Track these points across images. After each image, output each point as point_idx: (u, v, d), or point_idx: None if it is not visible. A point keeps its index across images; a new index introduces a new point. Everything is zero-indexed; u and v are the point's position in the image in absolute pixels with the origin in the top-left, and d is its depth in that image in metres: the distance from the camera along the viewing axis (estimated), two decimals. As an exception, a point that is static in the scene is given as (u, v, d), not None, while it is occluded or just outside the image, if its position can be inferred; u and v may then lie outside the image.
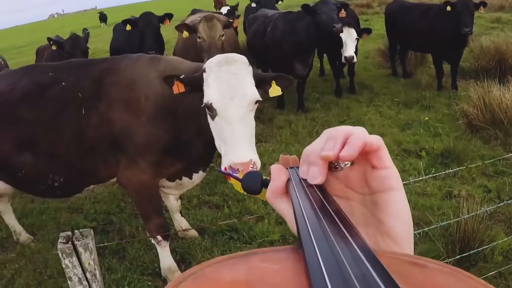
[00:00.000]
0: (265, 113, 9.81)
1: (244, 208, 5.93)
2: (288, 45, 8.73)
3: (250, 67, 3.49)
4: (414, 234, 4.68)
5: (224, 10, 12.02)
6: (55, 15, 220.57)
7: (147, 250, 5.43)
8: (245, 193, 0.99)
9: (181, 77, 3.59)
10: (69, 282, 2.96)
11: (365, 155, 0.71)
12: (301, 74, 9.01)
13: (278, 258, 0.59)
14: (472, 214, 4.60)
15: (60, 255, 2.82)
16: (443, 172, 5.49)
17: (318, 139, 0.75)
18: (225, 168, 1.25)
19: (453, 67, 9.87)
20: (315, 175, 0.72)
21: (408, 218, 0.73)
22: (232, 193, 6.23)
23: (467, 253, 4.39)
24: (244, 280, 0.54)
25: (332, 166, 0.75)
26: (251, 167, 1.03)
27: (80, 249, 2.81)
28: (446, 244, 4.69)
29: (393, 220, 0.71)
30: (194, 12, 11.07)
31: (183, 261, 5.17)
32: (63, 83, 4.27)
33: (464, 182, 6.17)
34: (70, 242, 2.84)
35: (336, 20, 8.14)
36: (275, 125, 9.07)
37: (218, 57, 3.49)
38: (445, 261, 4.34)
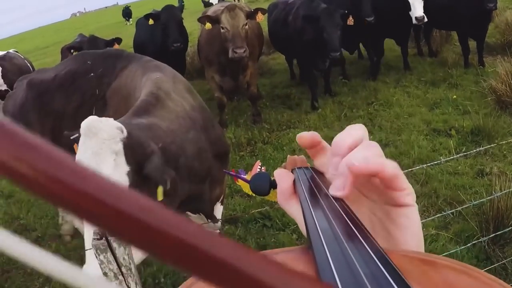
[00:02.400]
0: (292, 99, 9.80)
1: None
2: (311, 35, 8.36)
3: (119, 141, 2.66)
4: (448, 214, 4.66)
5: (215, 1, 11.91)
6: (77, 14, 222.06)
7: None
8: (254, 195, 0.98)
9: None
10: (104, 278, 2.99)
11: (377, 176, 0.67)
12: (323, 67, 8.87)
13: (288, 259, 0.58)
14: (505, 191, 4.55)
15: (94, 251, 2.83)
16: (474, 150, 5.45)
17: (347, 134, 0.71)
18: (233, 170, 1.26)
19: (479, 44, 9.72)
20: (340, 186, 0.67)
21: (419, 234, 0.71)
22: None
23: (502, 231, 4.34)
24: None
25: None
26: (259, 168, 1.03)
27: (114, 245, 2.82)
28: (480, 223, 4.65)
29: (404, 234, 0.69)
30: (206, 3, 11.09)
31: (218, 250, 5.20)
32: (91, 74, 4.28)
33: (496, 160, 6.11)
34: (104, 238, 2.85)
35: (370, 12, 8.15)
36: (303, 110, 9.05)
37: (85, 122, 2.66)
38: (480, 239, 4.31)
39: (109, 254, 2.85)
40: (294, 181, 0.78)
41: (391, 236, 0.70)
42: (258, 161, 1.25)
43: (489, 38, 10.61)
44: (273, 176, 0.87)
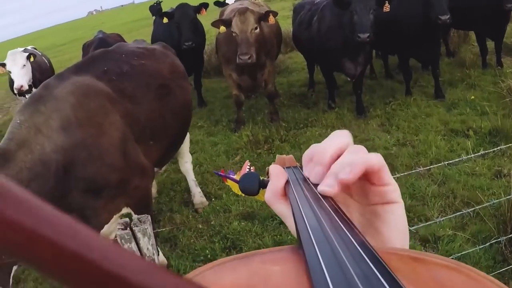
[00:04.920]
0: (309, 98, 9.81)
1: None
2: (335, 40, 7.88)
3: None
4: (466, 214, 4.66)
5: (231, 0, 11.87)
6: (94, 12, 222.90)
7: (198, 238, 5.52)
8: (243, 195, 0.95)
9: None
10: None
11: (364, 175, 0.69)
12: (352, 74, 8.21)
13: (278, 258, 0.57)
14: (524, 192, 4.55)
15: (119, 241, 2.87)
16: (491, 150, 5.45)
17: (326, 142, 0.74)
18: (222, 170, 1.27)
19: (497, 44, 9.67)
20: (330, 183, 0.68)
21: (405, 230, 0.73)
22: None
23: (520, 233, 4.34)
24: (245, 282, 0.53)
25: None
26: (248, 168, 1.04)
27: (139, 235, 2.86)
28: (497, 224, 4.64)
29: (391, 231, 0.71)
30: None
31: (234, 247, 5.24)
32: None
33: (514, 161, 6.08)
34: (128, 228, 2.90)
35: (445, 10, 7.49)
36: (320, 109, 9.05)
37: None
38: (497, 240, 4.31)
39: (133, 244, 2.89)
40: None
41: (378, 233, 0.72)
42: (247, 161, 1.26)
43: (508, 38, 10.56)
44: (262, 176, 0.89)
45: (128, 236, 2.85)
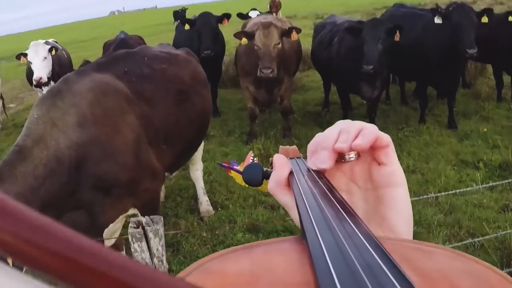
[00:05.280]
0: (323, 117, 9.83)
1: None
2: (354, 63, 7.67)
3: None
4: (470, 244, 4.67)
5: (254, 14, 11.88)
6: (116, 13, 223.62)
7: (202, 245, 5.53)
8: (246, 185, 0.97)
9: None
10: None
11: (372, 150, 0.73)
12: (368, 97, 8.22)
13: (282, 249, 0.58)
14: (530, 228, 4.56)
15: (130, 239, 2.91)
16: (499, 182, 5.45)
17: (330, 129, 0.76)
18: (226, 162, 1.29)
19: (514, 78, 9.67)
20: (324, 159, 0.72)
21: (410, 216, 0.74)
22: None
23: (523, 267, 4.35)
24: (249, 272, 0.53)
25: (338, 157, 0.75)
26: (252, 159, 1.05)
27: (150, 235, 2.90)
28: (501, 257, 4.66)
29: (396, 216, 0.72)
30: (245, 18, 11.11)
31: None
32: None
33: (522, 195, 6.08)
34: (140, 227, 2.94)
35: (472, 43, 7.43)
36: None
37: None
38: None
39: (143, 243, 2.93)
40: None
41: (383, 219, 0.73)
42: (251, 151, 1.28)
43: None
44: (265, 167, 0.92)
45: (139, 235, 2.89)
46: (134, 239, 2.90)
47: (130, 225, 2.97)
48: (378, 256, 0.47)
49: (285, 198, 0.78)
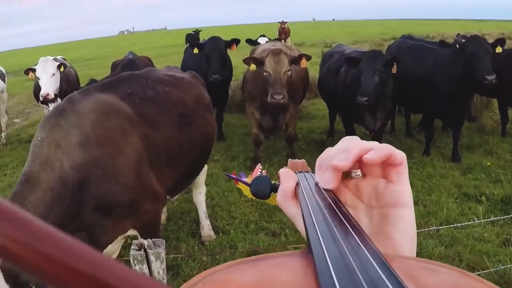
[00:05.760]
0: (328, 146, 9.71)
1: (302, 237, 5.94)
2: (357, 93, 7.53)
3: None
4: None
5: (263, 40, 11.93)
6: (125, 32, 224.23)
7: (201, 269, 5.47)
8: (254, 198, 0.97)
9: None
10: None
11: (385, 167, 0.72)
12: (371, 128, 8.28)
13: (287, 262, 0.58)
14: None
15: (131, 261, 2.92)
16: (501, 217, 5.46)
17: (336, 146, 0.77)
18: (233, 173, 1.29)
19: (519, 114, 9.70)
20: (328, 180, 0.72)
21: (414, 236, 0.74)
22: (290, 222, 6.27)
23: (522, 303, 4.34)
24: (254, 284, 0.53)
25: (344, 174, 0.75)
26: (260, 171, 1.05)
27: (152, 258, 2.91)
28: (500, 292, 4.65)
29: (402, 236, 0.72)
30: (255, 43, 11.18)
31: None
32: None
33: (523, 230, 6.08)
34: (142, 249, 2.95)
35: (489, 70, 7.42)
36: (338, 158, 8.98)
37: None
38: (499, 308, 4.31)
39: (145, 266, 2.94)
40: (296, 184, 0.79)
41: (388, 239, 0.72)
42: (259, 164, 1.29)
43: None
44: (273, 180, 0.92)
45: (141, 258, 2.90)
46: (135, 261, 2.92)
47: (132, 247, 2.98)
48: (383, 272, 0.48)
49: (292, 210, 0.78)
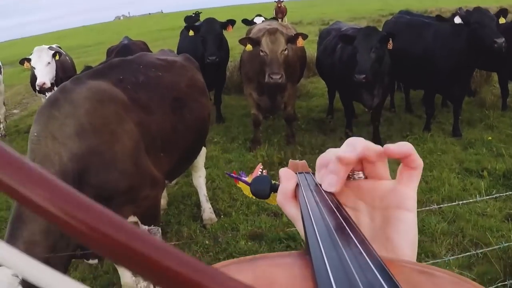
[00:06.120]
0: (327, 124, 9.82)
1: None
2: (353, 70, 7.48)
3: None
4: (473, 254, 4.64)
5: (259, 20, 11.88)
6: (121, 17, 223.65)
7: (204, 253, 5.53)
8: (254, 197, 0.97)
9: None
10: (133, 279, 3.04)
11: (401, 165, 0.71)
12: (369, 105, 8.21)
13: (285, 263, 0.57)
14: (533, 237, 4.53)
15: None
16: (505, 194, 5.43)
17: (341, 148, 0.74)
18: (234, 172, 1.27)
19: (519, 87, 9.65)
20: (331, 182, 0.71)
21: (415, 240, 0.72)
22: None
23: (526, 277, 4.32)
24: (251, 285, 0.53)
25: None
26: (260, 171, 1.03)
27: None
28: (504, 267, 4.61)
29: (401, 239, 0.71)
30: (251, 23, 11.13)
31: (241, 267, 5.21)
32: None
33: (526, 205, 6.05)
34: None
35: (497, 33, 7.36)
36: (337, 136, 9.05)
37: None
38: (503, 283, 4.29)
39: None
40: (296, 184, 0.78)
41: (389, 241, 0.71)
42: (260, 163, 1.27)
43: (530, 83, 10.55)
44: (273, 180, 0.91)
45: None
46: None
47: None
48: (381, 276, 0.47)
49: (291, 211, 0.77)
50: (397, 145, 0.69)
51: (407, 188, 0.71)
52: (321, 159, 0.76)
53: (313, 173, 0.80)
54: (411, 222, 0.72)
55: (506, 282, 4.31)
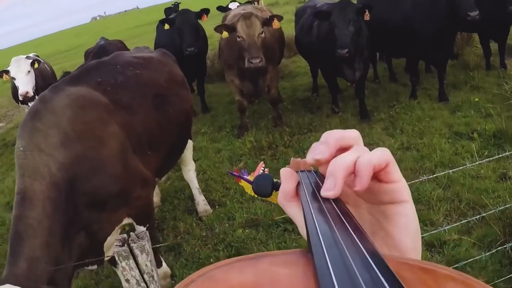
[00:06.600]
0: (313, 102, 9.79)
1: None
2: (332, 46, 7.46)
3: None
4: (472, 219, 4.63)
5: (234, 5, 11.84)
6: (98, 18, 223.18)
7: (203, 246, 5.52)
8: (256, 196, 0.96)
9: None
10: (127, 284, 3.01)
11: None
12: (351, 79, 8.15)
13: (287, 261, 0.58)
14: (529, 196, 4.51)
15: (116, 258, 2.85)
16: (497, 156, 5.41)
17: (340, 130, 0.73)
18: (236, 170, 1.26)
19: (501, 45, 9.64)
20: (329, 186, 0.67)
21: (416, 230, 0.72)
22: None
23: (526, 237, 4.30)
24: (253, 283, 0.54)
25: None
26: (262, 169, 1.03)
27: (137, 251, 2.84)
28: (503, 228, 4.59)
29: (401, 233, 0.70)
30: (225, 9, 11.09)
31: (239, 255, 5.15)
32: None
33: (519, 163, 6.03)
34: (126, 244, 2.88)
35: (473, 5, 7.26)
36: (324, 113, 9.04)
37: None
38: (504, 245, 4.27)
39: (131, 261, 2.87)
40: (297, 183, 0.78)
41: (389, 236, 0.71)
42: (261, 162, 1.26)
43: (511, 39, 10.51)
44: (276, 178, 0.89)
45: (125, 253, 2.83)
46: (121, 258, 2.84)
47: (115, 243, 2.91)
48: (383, 274, 0.47)
49: (292, 210, 0.77)
50: (361, 180, 0.64)
51: (392, 184, 0.69)
52: (323, 137, 0.74)
53: (315, 171, 0.81)
54: (409, 213, 0.71)
55: (507, 245, 4.28)
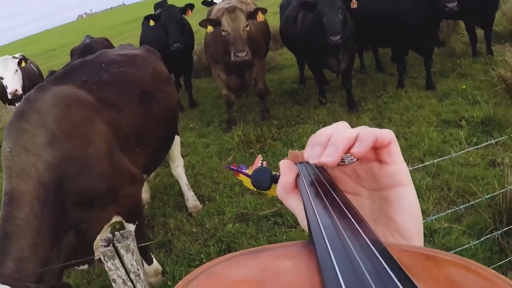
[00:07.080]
0: (301, 94, 9.78)
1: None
2: (317, 37, 7.58)
3: None
4: (461, 207, 4.63)
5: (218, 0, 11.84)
6: (84, 16, 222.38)
7: (193, 242, 5.51)
8: (255, 189, 0.96)
9: None
10: (113, 284, 2.99)
11: (375, 150, 0.70)
12: (336, 70, 8.10)
13: (289, 253, 0.58)
14: (518, 182, 4.50)
15: (102, 258, 2.84)
16: (485, 144, 5.40)
17: (325, 132, 0.73)
18: (234, 165, 1.25)
19: (487, 32, 9.63)
20: (329, 153, 0.67)
21: (418, 214, 0.72)
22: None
23: (516, 223, 4.30)
24: (256, 277, 0.54)
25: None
26: (260, 163, 1.02)
27: (122, 251, 2.82)
28: (493, 215, 4.59)
29: (403, 217, 0.71)
30: None
31: (229, 250, 5.21)
32: None
33: (507, 149, 6.04)
34: (111, 244, 2.86)
35: None
36: (312, 105, 9.01)
37: None
38: (493, 233, 4.26)
39: (117, 260, 2.85)
40: (296, 175, 0.78)
41: (391, 221, 0.71)
42: (260, 155, 1.25)
43: (497, 26, 10.52)
44: (274, 171, 0.90)
45: (111, 253, 2.82)
46: (106, 258, 2.82)
47: (100, 243, 2.90)
48: (386, 262, 0.47)
49: (292, 203, 0.78)
50: (361, 144, 0.66)
51: (394, 165, 0.71)
52: (314, 138, 0.74)
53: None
54: (410, 196, 0.71)
55: (496, 232, 4.28)
